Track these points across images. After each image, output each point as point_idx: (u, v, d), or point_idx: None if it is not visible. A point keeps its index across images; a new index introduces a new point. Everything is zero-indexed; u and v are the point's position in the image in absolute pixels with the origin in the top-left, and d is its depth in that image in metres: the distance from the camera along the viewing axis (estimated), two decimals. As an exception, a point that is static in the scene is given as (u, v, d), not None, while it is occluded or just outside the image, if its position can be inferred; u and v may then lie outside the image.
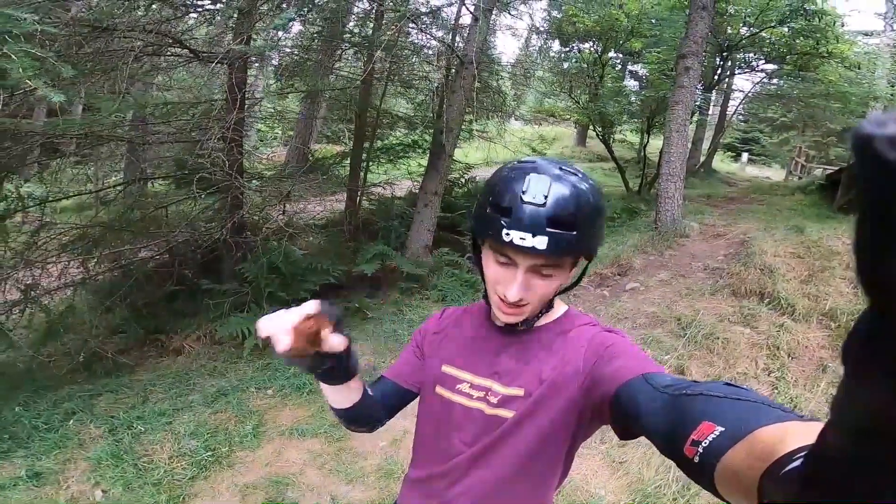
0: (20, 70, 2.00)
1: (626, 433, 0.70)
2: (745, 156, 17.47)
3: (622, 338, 0.81)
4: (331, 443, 2.94)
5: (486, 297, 0.87)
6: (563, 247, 0.71)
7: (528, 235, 0.70)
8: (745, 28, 9.89)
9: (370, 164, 6.41)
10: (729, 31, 10.13)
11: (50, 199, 3.80)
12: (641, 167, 10.29)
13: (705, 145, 14.77)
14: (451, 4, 5.75)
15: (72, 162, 5.00)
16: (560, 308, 0.90)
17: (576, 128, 14.41)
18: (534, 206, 0.70)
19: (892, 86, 11.13)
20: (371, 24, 4.95)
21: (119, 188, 4.68)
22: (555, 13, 11.82)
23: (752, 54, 11.49)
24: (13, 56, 2.04)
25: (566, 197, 0.71)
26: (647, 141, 10.44)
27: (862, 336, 0.20)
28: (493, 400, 0.85)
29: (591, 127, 11.29)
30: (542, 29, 11.56)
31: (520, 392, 0.83)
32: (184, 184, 5.12)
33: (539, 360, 0.84)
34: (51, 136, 3.84)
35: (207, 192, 4.46)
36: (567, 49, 12.92)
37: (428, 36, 5.85)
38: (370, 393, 0.91)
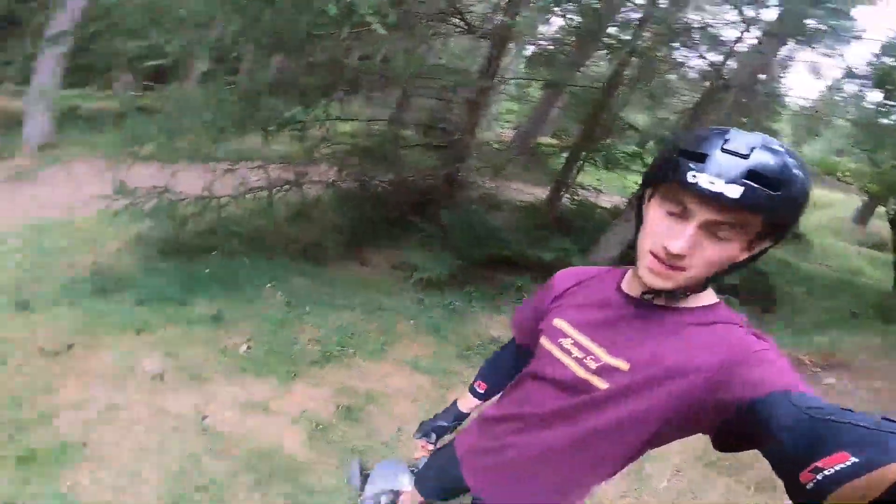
0: (367, 7, 2.84)
1: (730, 445, 0.66)
2: None
3: (771, 345, 0.72)
4: (437, 387, 3.05)
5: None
6: (758, 202, 0.62)
7: (720, 181, 0.62)
8: None
9: (585, 164, 6.52)
10: None
11: (337, 118, 5.11)
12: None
13: None
14: (728, 24, 5.32)
15: (361, 99, 6.48)
16: (709, 297, 0.79)
17: (861, 198, 11.49)
18: (734, 155, 0.63)
19: None
20: (632, 30, 5.00)
21: (384, 124, 5.91)
22: (888, 58, 9.49)
23: None
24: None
25: (773, 156, 0.63)
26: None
27: None
28: (592, 365, 0.80)
29: (883, 202, 8.92)
30: (859, 73, 9.44)
31: (624, 365, 0.77)
32: (430, 133, 6.15)
33: (661, 339, 0.76)
34: (360, 72, 5.10)
35: (434, 144, 5.30)
36: (892, 103, 10.27)
37: (694, 53, 5.55)
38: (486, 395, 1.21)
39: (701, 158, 0.64)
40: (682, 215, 0.68)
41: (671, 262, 0.69)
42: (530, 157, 6.60)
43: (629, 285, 0.84)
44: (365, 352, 3.26)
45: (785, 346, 4.36)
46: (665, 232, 0.69)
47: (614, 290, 0.85)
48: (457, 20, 4.69)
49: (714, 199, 0.63)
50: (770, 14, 5.22)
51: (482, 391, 1.19)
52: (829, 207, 13.50)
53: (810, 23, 5.31)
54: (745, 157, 0.62)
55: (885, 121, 10.68)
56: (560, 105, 8.45)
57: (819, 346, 4.32)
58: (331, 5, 2.86)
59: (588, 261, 5.89)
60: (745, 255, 0.71)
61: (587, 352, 0.82)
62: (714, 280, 0.75)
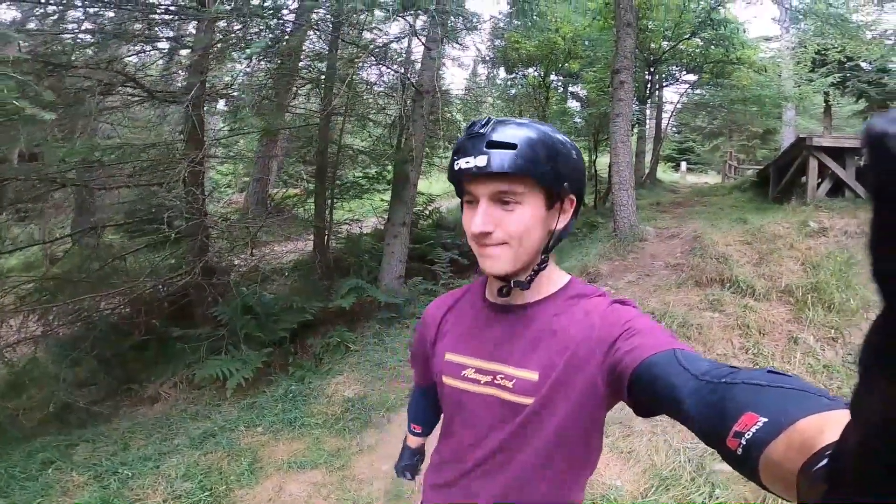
0: (4, 91, 1.94)
1: (646, 410, 0.66)
2: (683, 165, 18.63)
3: (637, 310, 0.78)
4: (332, 472, 2.89)
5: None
6: (508, 163, 0.71)
7: (470, 158, 0.73)
8: (666, 42, 10.74)
9: (334, 201, 6.41)
10: (652, 46, 10.95)
11: None
12: (594, 183, 10.76)
13: (648, 157, 15.69)
14: (398, 39, 5.95)
15: (15, 218, 4.74)
16: (562, 278, 0.85)
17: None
18: (476, 136, 0.74)
19: (798, 86, 12.24)
20: (325, 61, 5.04)
21: (73, 238, 4.45)
22: (498, 41, 12.44)
23: (674, 66, 12.47)
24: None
25: (509, 124, 0.74)
26: (596, 157, 10.98)
27: (879, 336, 0.20)
28: (508, 384, 0.79)
29: (541, 148, 11.75)
30: (487, 58, 12.09)
31: (534, 376, 0.77)
32: (137, 233, 4.95)
33: (549, 338, 0.79)
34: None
35: (172, 237, 4.32)
36: (512, 76, 13.51)
37: (385, 68, 6.02)
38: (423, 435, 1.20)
39: (460, 149, 0.76)
40: (475, 201, 0.77)
41: (483, 241, 0.76)
42: (276, 213, 6.07)
43: (491, 292, 0.88)
44: (236, 481, 2.82)
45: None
46: (469, 220, 0.78)
47: (482, 303, 0.89)
48: (130, 87, 3.83)
49: (478, 175, 0.74)
50: (419, 21, 6.03)
51: (420, 431, 1.21)
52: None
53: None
54: (483, 133, 0.74)
55: (513, 91, 14.16)
56: (280, 151, 8.01)
57: (576, 269, 5.41)
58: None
59: (382, 285, 5.86)
60: (557, 217, 0.79)
61: (493, 373, 0.81)
62: (547, 250, 0.81)
